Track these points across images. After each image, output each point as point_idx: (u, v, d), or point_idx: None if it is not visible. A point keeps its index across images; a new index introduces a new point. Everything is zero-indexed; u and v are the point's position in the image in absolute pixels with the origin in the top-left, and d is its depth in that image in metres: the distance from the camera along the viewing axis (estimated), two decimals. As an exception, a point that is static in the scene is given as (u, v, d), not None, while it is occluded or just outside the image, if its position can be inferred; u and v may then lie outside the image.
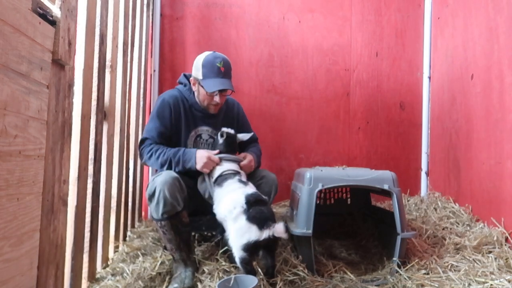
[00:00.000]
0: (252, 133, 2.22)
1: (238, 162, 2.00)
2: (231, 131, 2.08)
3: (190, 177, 2.04)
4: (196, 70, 2.07)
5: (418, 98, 3.39)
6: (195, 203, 2.12)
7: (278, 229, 1.57)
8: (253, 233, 1.57)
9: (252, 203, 1.66)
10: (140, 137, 2.78)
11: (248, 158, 2.06)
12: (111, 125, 2.19)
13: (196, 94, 2.15)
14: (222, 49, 3.28)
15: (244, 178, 1.90)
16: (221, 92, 2.05)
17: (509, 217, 2.16)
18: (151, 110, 2.17)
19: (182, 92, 2.18)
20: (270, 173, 2.14)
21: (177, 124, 2.12)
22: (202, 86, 2.05)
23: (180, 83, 2.23)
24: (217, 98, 2.06)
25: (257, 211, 1.63)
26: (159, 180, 1.81)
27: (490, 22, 2.44)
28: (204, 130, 2.17)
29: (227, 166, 1.93)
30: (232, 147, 2.06)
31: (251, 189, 1.78)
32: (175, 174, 1.87)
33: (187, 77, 2.20)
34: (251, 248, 1.58)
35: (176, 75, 2.99)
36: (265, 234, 1.55)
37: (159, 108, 2.10)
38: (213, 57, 2.04)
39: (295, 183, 2.32)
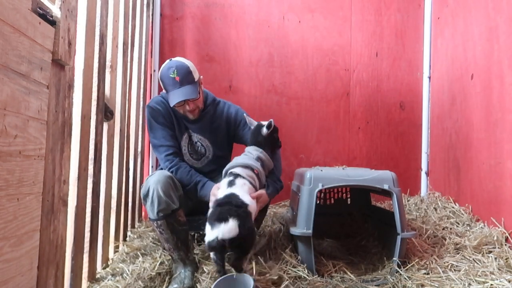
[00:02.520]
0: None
1: (252, 168, 1.85)
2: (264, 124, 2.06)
3: None
4: (160, 83, 2.03)
5: (418, 98, 3.40)
6: (193, 202, 2.12)
7: (226, 228, 1.46)
8: (209, 234, 1.52)
9: (215, 206, 1.60)
10: (139, 145, 2.80)
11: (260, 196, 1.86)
12: (111, 125, 2.19)
13: None
14: (222, 49, 3.30)
15: (238, 180, 1.76)
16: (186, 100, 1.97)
17: (509, 217, 2.16)
18: (147, 122, 2.14)
19: (166, 98, 2.09)
20: None
21: (172, 127, 2.11)
22: None
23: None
24: (187, 107, 2.00)
25: (212, 212, 1.58)
26: (152, 180, 1.82)
27: (490, 22, 2.44)
28: (194, 135, 2.15)
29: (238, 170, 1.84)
30: (256, 140, 2.03)
31: (231, 190, 1.69)
32: (169, 173, 1.88)
33: None
34: (210, 249, 1.53)
35: (176, 75, 2.98)
36: (213, 235, 1.48)
37: (153, 116, 2.06)
38: (167, 68, 1.96)
39: (295, 183, 2.32)
